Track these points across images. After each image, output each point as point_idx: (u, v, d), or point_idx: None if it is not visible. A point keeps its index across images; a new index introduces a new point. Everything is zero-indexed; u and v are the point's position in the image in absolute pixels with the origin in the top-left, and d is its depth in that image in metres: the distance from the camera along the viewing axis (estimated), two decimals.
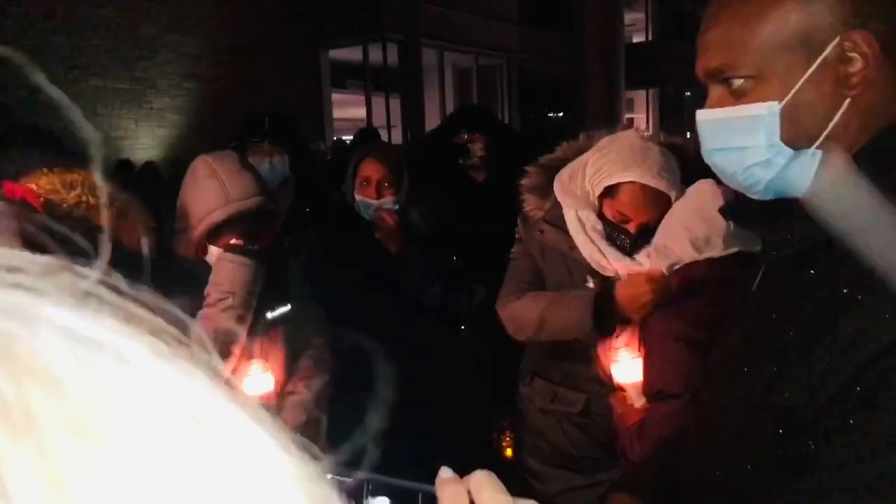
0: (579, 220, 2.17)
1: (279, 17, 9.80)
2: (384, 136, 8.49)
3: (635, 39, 16.49)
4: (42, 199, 1.88)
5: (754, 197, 1.01)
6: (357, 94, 11.84)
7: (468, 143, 3.45)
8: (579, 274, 2.19)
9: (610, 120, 2.49)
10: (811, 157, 0.95)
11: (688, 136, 3.14)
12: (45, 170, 1.96)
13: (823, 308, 0.90)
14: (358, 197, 2.75)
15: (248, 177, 2.17)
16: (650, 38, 16.41)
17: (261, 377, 2.18)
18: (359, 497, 0.56)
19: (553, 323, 2.12)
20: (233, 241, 2.16)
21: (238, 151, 2.93)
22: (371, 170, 2.75)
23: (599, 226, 2.14)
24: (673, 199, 2.05)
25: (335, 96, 11.43)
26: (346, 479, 0.54)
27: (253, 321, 2.23)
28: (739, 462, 0.98)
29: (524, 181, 2.34)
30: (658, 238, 2.04)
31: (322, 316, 2.43)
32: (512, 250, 2.37)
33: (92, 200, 1.95)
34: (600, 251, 2.13)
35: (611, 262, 2.12)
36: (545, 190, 2.29)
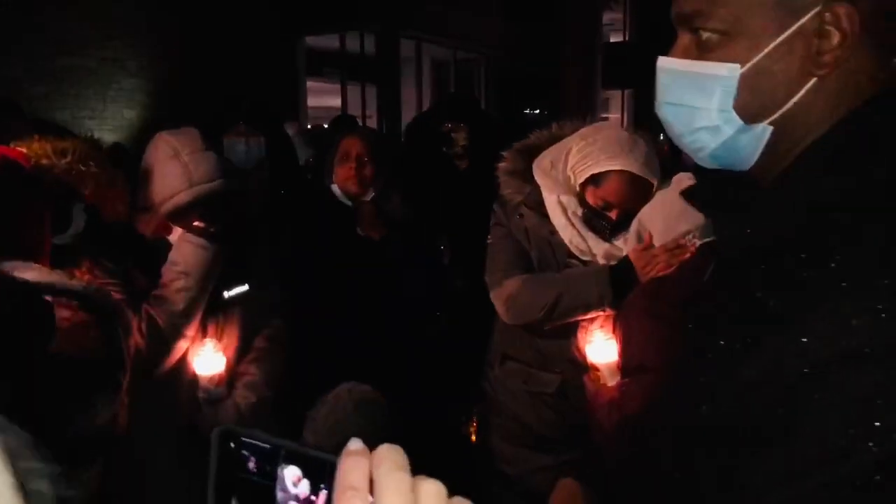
0: (561, 204, 2.19)
1: (257, 3, 9.67)
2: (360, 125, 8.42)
3: (613, 39, 16.58)
4: (33, 163, 1.83)
5: (698, 162, 0.96)
6: (333, 82, 11.73)
7: (452, 132, 3.49)
8: (560, 257, 2.21)
9: (586, 118, 2.51)
10: (760, 133, 0.89)
11: (661, 137, 3.17)
12: (36, 136, 1.92)
13: (752, 318, 0.83)
14: (337, 175, 2.74)
15: (211, 158, 2.12)
16: (628, 38, 16.51)
17: (212, 357, 2.12)
18: (273, 463, 0.51)
19: (569, 301, 2.13)
20: (195, 224, 2.11)
21: (216, 131, 2.90)
22: (351, 145, 2.75)
23: (580, 211, 2.17)
24: (654, 188, 2.11)
25: (310, 84, 11.30)
26: (261, 444, 0.51)
27: (209, 300, 2.17)
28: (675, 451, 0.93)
29: (501, 165, 2.36)
30: (636, 225, 2.09)
31: (285, 297, 2.38)
32: (490, 235, 2.38)
33: (82, 169, 1.91)
34: (580, 236, 2.17)
35: (591, 246, 2.16)
36: (523, 175, 2.30)
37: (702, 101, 0.90)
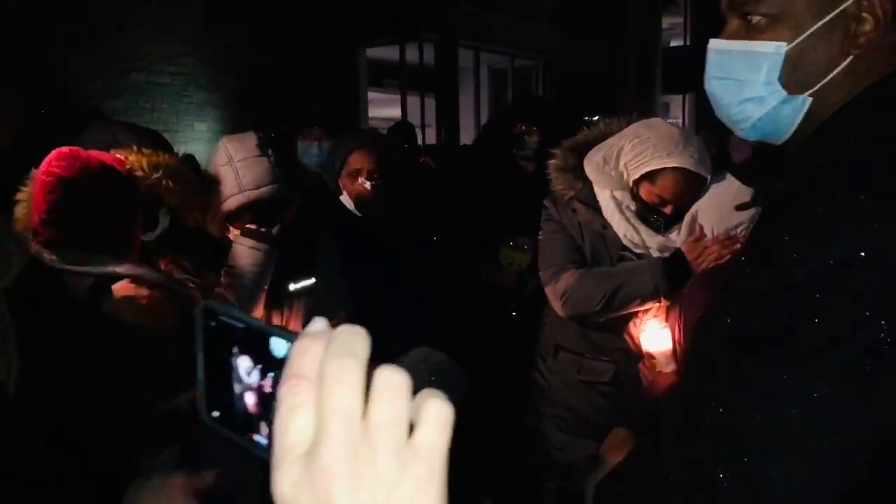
0: (615, 199, 2.27)
1: (318, 16, 9.94)
2: (419, 134, 8.57)
3: (673, 44, 16.40)
4: (127, 173, 2.02)
5: (740, 134, 1.07)
6: (393, 93, 11.94)
7: (525, 134, 3.54)
8: (614, 251, 2.28)
9: (632, 115, 2.56)
10: (801, 103, 1.00)
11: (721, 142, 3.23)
12: (134, 148, 2.11)
13: (766, 242, 0.94)
14: (346, 187, 2.74)
15: (263, 164, 2.25)
16: (688, 42, 16.31)
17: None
18: (248, 345, 0.49)
19: (625, 293, 2.21)
20: (246, 226, 2.26)
21: (288, 135, 3.01)
22: (360, 160, 2.75)
23: (634, 206, 2.24)
24: (707, 184, 2.18)
25: (371, 94, 11.54)
26: (236, 323, 0.50)
27: (276, 292, 2.32)
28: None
29: (552, 162, 2.44)
30: (689, 218, 2.18)
31: (346, 290, 2.51)
32: (541, 230, 2.46)
33: (171, 184, 2.10)
34: (635, 229, 2.24)
35: (644, 239, 2.23)
36: (574, 171, 2.38)
37: (750, 74, 1.01)
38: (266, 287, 2.25)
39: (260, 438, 0.49)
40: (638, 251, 2.29)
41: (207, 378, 0.51)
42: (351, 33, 10.48)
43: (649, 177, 2.20)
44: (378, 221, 2.75)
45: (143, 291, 1.91)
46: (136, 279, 1.91)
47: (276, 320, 2.30)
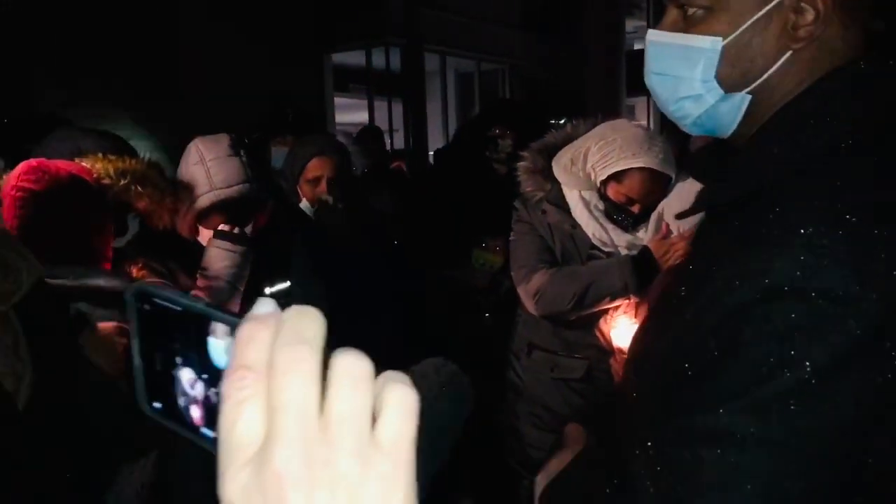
0: (583, 200, 2.31)
1: (283, 21, 9.90)
2: (386, 139, 8.58)
3: (637, 46, 16.62)
4: (95, 182, 2.00)
5: (684, 129, 1.04)
6: (359, 98, 11.94)
7: (499, 137, 3.56)
8: (583, 250, 2.33)
9: (598, 117, 2.61)
10: (740, 101, 0.96)
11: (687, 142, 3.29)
12: (100, 155, 2.10)
13: (702, 265, 0.91)
14: (305, 193, 2.68)
15: (234, 164, 2.24)
16: None
17: None
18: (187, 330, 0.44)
19: (595, 291, 2.25)
20: (220, 227, 2.26)
21: (262, 140, 3.00)
22: (321, 167, 2.71)
23: (602, 206, 2.29)
24: (672, 182, 2.24)
25: (338, 100, 11.52)
26: (173, 306, 0.44)
27: (251, 296, 2.32)
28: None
29: (522, 164, 2.48)
30: (656, 216, 2.24)
31: (322, 293, 2.51)
32: (512, 231, 2.50)
33: (139, 189, 2.08)
34: (603, 228, 2.29)
35: (613, 238, 2.28)
36: (543, 173, 2.42)
37: (686, 71, 0.97)
38: (242, 289, 2.25)
39: (207, 431, 0.43)
40: (607, 250, 2.34)
41: (146, 366, 0.46)
42: (318, 38, 10.46)
43: (616, 177, 2.25)
44: (338, 230, 2.71)
45: (124, 341, 1.86)
46: (112, 294, 1.89)
47: None
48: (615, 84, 13.06)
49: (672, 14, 0.99)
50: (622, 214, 2.30)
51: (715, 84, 0.96)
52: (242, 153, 2.28)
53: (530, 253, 2.40)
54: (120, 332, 1.77)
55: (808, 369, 0.74)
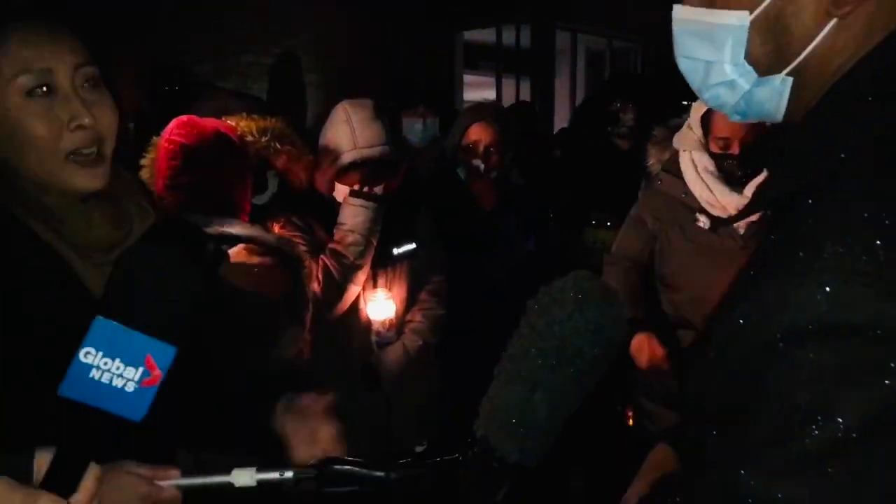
0: (692, 161, 2.29)
1: (416, 2, 10.06)
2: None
3: None
4: (238, 137, 2.20)
5: (728, 119, 0.91)
6: (488, 76, 11.95)
7: (619, 112, 3.56)
8: (689, 216, 2.32)
9: None
10: (780, 84, 0.83)
11: None
12: (244, 114, 2.31)
13: (738, 291, 0.80)
14: (462, 160, 2.88)
15: (378, 126, 2.39)
16: None
17: (384, 303, 2.40)
18: None
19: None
20: (356, 186, 2.39)
21: (394, 112, 3.16)
22: (480, 133, 2.87)
23: (711, 165, 2.26)
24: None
25: (467, 77, 11.59)
26: None
27: (381, 255, 2.44)
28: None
29: (651, 140, 2.48)
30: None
31: (443, 256, 2.61)
32: (632, 208, 2.51)
33: (278, 146, 2.27)
34: (710, 189, 2.25)
35: (718, 198, 2.24)
36: (664, 144, 2.41)
37: (714, 53, 0.85)
38: (375, 244, 2.37)
39: None
40: (715, 213, 2.31)
41: None
42: (449, 16, 10.55)
43: (707, 125, 2.23)
44: (482, 195, 2.83)
45: (255, 259, 2.06)
46: (250, 242, 2.05)
47: (380, 282, 2.43)
48: None
49: None
50: (727, 161, 2.26)
51: (748, 67, 0.84)
52: (386, 118, 2.41)
53: (619, 246, 2.46)
54: (249, 251, 1.94)
55: (842, 425, 0.62)
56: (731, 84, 0.85)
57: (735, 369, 0.71)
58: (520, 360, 1.03)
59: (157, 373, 1.07)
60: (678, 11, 0.92)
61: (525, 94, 11.72)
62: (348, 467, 1.05)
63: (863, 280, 0.63)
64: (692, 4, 0.89)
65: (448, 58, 11.14)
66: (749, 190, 2.26)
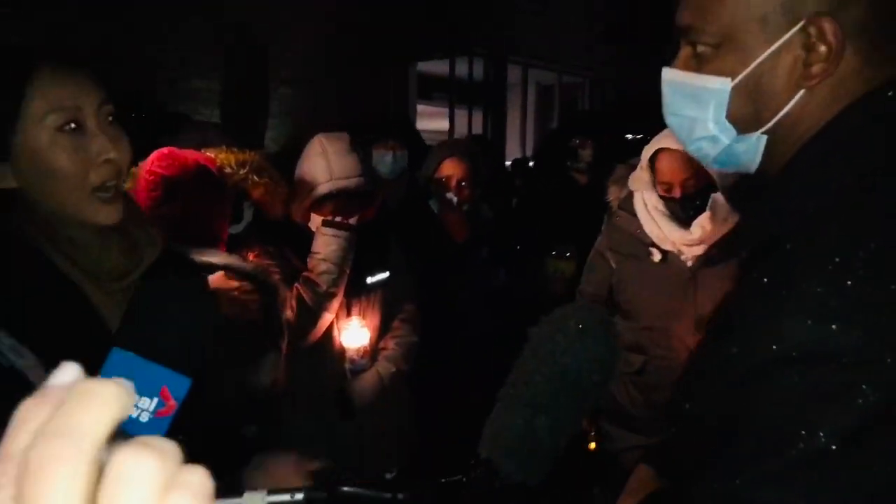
0: (642, 200, 2.44)
1: (371, 31, 10.18)
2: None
3: None
4: (217, 169, 2.23)
5: (708, 168, 1.05)
6: (441, 106, 12.13)
7: (578, 148, 3.70)
8: (643, 249, 2.47)
9: None
10: (755, 142, 0.93)
11: None
12: (223, 147, 2.34)
13: (725, 320, 0.91)
14: (435, 193, 2.96)
15: (353, 159, 2.45)
16: None
17: (358, 331, 2.44)
18: None
19: None
20: (329, 216, 2.44)
21: (367, 142, 3.24)
22: (453, 168, 2.97)
23: (661, 205, 2.41)
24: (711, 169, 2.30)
25: (420, 107, 11.74)
26: None
27: (355, 283, 2.49)
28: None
29: (611, 177, 2.63)
30: (710, 203, 2.33)
31: (415, 285, 2.67)
32: (596, 242, 2.65)
33: (256, 178, 2.31)
34: (659, 226, 2.41)
35: (667, 235, 2.40)
36: (624, 181, 2.55)
37: (699, 111, 0.94)
38: (348, 272, 2.42)
39: None
40: (665, 247, 2.45)
41: None
42: (404, 47, 10.70)
43: (653, 167, 2.37)
44: (454, 228, 2.93)
45: (233, 283, 2.09)
46: (228, 270, 2.09)
47: (354, 311, 2.47)
48: None
49: (685, 51, 0.96)
50: (671, 204, 2.40)
51: (728, 125, 0.93)
52: (360, 151, 2.47)
53: (589, 277, 2.69)
54: (228, 279, 1.98)
55: (823, 439, 0.71)
56: (713, 139, 0.95)
57: (730, 391, 0.80)
58: (523, 386, 1.09)
59: (172, 403, 1.09)
60: (668, 73, 0.99)
61: (477, 125, 11.93)
62: (357, 489, 1.09)
63: (836, 316, 0.74)
64: (679, 67, 0.97)
65: (402, 88, 11.29)
66: (695, 228, 2.39)
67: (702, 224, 2.38)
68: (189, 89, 8.53)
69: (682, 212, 2.42)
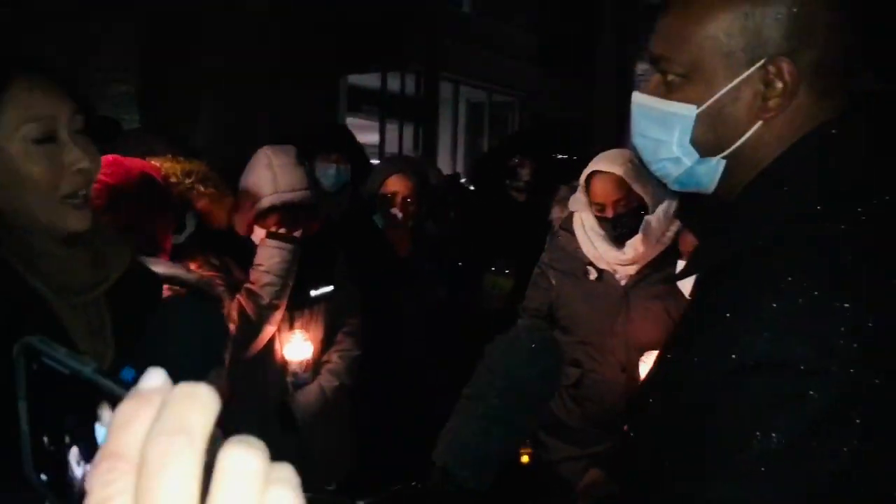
0: (580, 220, 2.54)
1: (302, 43, 10.13)
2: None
3: None
4: (162, 178, 2.19)
5: (669, 187, 1.09)
6: (371, 120, 12.16)
7: (518, 166, 3.78)
8: (582, 267, 2.57)
9: None
10: (715, 165, 1.01)
11: None
12: (170, 156, 2.29)
13: (686, 331, 0.99)
14: (379, 210, 2.99)
15: (299, 172, 2.46)
16: None
17: (301, 345, 2.44)
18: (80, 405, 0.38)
19: None
20: (273, 229, 2.44)
21: (308, 155, 3.24)
22: (399, 185, 3.00)
23: (596, 225, 2.53)
24: (641, 192, 2.45)
25: (350, 120, 11.74)
26: (60, 369, 0.38)
27: (298, 296, 2.49)
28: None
29: (555, 197, 2.73)
30: (642, 225, 2.44)
31: (358, 299, 2.69)
32: (539, 261, 2.73)
33: (201, 188, 2.28)
34: (594, 246, 2.51)
35: (601, 253, 2.50)
36: (566, 202, 2.65)
37: (664, 134, 1.01)
38: (291, 284, 2.42)
39: None
40: (601, 266, 2.55)
41: (33, 432, 0.40)
42: (335, 59, 10.69)
43: (588, 190, 2.51)
44: (400, 244, 2.96)
45: (179, 292, 2.07)
46: (172, 280, 2.08)
47: (298, 324, 2.47)
48: (622, 123, 13.31)
49: (655, 78, 1.03)
50: (605, 224, 2.52)
51: (691, 148, 1.00)
52: (306, 164, 2.48)
53: (532, 295, 2.75)
54: (172, 291, 1.98)
55: (775, 439, 0.79)
56: (676, 160, 1.02)
57: (693, 397, 0.88)
58: (479, 399, 1.16)
59: None
60: (637, 97, 1.05)
61: (408, 139, 12.00)
62: (316, 496, 1.12)
63: (790, 329, 0.82)
64: (649, 93, 1.04)
65: (332, 100, 11.25)
66: (628, 249, 2.51)
67: (634, 245, 2.49)
68: (111, 93, 8.31)
69: (614, 230, 2.52)
